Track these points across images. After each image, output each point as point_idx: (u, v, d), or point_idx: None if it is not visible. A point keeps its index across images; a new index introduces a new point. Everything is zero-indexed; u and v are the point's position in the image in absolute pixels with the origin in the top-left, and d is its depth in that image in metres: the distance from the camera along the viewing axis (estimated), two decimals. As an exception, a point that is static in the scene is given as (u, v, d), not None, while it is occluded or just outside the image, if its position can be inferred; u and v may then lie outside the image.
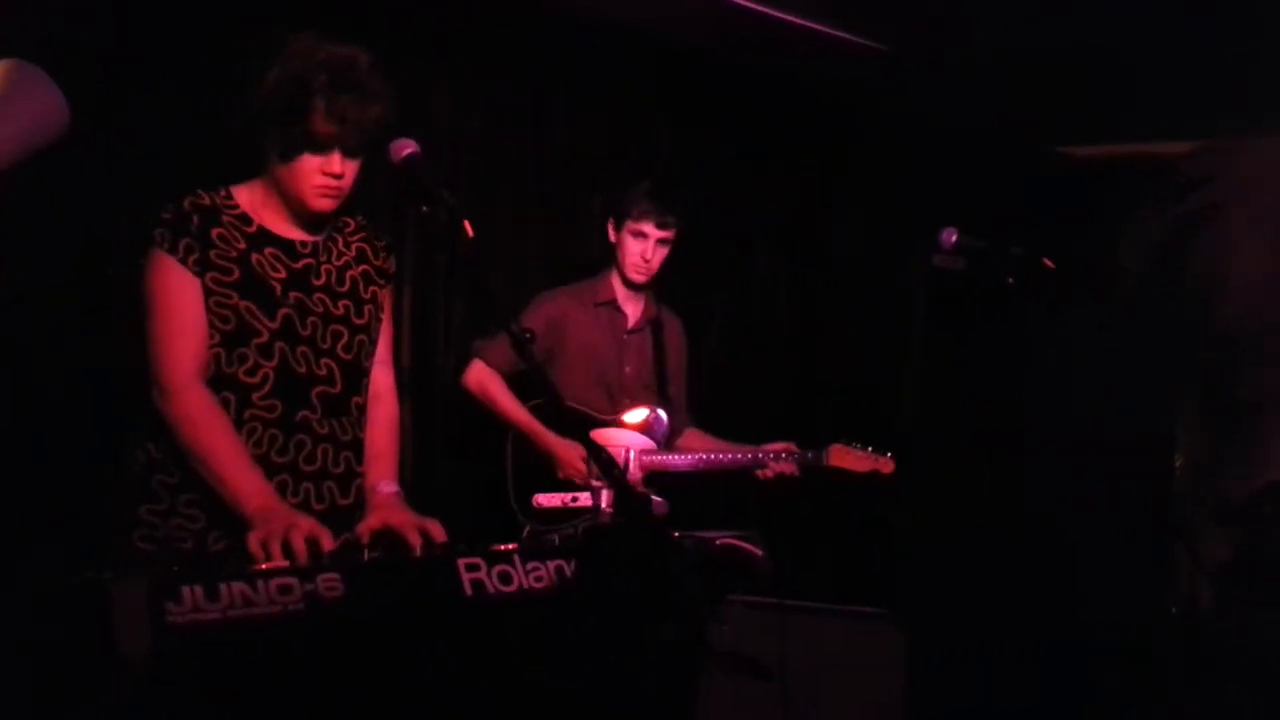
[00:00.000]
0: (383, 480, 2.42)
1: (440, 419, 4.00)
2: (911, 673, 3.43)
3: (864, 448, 3.65)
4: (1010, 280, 2.96)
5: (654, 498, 3.61)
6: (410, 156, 2.22)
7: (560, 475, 3.51)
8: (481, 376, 3.61)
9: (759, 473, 3.64)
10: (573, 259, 4.31)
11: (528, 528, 3.49)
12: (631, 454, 3.63)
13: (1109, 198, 5.84)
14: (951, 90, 5.05)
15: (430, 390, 3.96)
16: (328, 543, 2.05)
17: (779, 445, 3.65)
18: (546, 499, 3.51)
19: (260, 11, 3.33)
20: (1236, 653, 4.86)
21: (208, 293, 2.27)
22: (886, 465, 3.66)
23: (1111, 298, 5.77)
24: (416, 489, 3.72)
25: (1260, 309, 6.04)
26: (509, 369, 3.59)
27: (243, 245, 2.32)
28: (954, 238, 2.99)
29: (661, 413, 3.69)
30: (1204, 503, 5.98)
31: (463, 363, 3.91)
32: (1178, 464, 5.82)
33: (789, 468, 3.63)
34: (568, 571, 2.06)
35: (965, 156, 5.31)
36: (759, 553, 3.16)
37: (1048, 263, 2.93)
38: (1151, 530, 5.17)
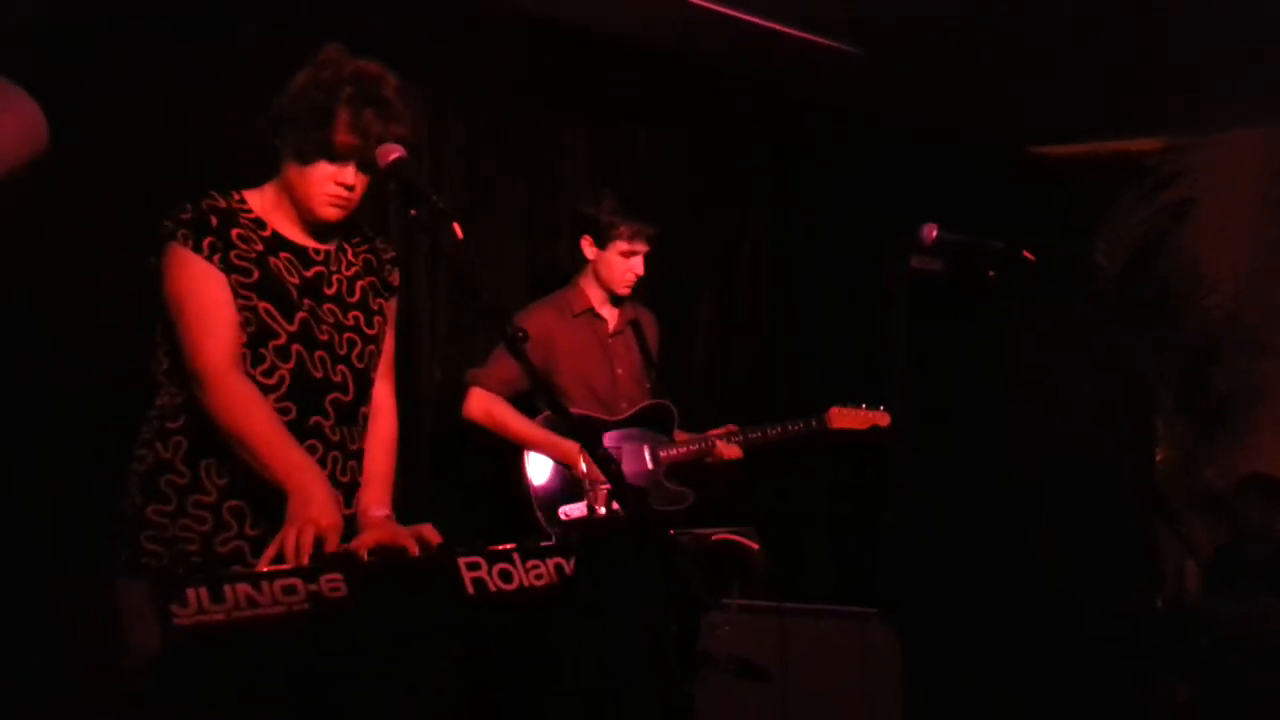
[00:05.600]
0: (375, 504, 2.41)
1: (428, 434, 3.98)
2: (906, 670, 3.44)
3: (858, 405, 3.72)
4: (991, 273, 2.98)
5: (681, 489, 3.62)
6: (398, 161, 2.23)
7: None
8: (484, 403, 3.55)
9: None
10: (556, 265, 4.32)
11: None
12: (647, 450, 3.62)
13: (1083, 196, 5.93)
14: (928, 92, 5.11)
15: (417, 403, 3.93)
16: (332, 544, 2.05)
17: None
18: (575, 509, 3.46)
19: (231, 18, 3.34)
20: (1224, 641, 4.89)
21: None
22: (883, 419, 3.73)
23: (1090, 293, 5.82)
24: (404, 505, 3.71)
25: (1238, 301, 6.10)
26: (508, 391, 3.55)
27: (260, 247, 2.33)
28: (934, 233, 3.01)
29: (669, 405, 3.70)
30: (1185, 494, 6.02)
31: (449, 375, 3.90)
32: (1159, 457, 5.88)
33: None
34: (567, 569, 2.06)
35: (942, 157, 5.37)
36: (755, 548, 3.17)
37: (1028, 255, 2.96)
38: (1136, 523, 5.21)
